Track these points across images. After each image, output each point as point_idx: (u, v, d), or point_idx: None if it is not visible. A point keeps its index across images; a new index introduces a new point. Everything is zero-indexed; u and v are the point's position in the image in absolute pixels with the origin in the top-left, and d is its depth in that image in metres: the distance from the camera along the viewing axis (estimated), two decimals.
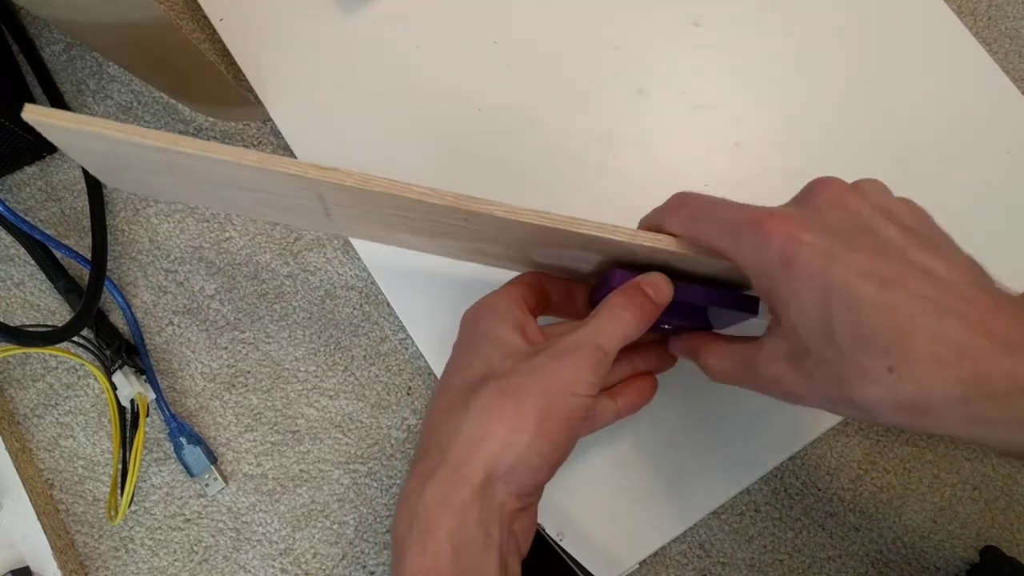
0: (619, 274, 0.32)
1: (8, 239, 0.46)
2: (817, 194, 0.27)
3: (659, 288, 0.31)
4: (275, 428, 0.44)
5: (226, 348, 0.45)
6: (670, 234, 0.30)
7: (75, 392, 0.45)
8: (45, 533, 0.41)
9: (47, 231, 0.45)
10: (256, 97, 0.46)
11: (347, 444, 0.44)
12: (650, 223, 0.32)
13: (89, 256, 0.43)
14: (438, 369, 0.43)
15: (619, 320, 0.30)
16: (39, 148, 0.46)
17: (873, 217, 0.26)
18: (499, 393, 0.29)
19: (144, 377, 0.44)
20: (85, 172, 0.45)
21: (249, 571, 0.43)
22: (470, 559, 0.27)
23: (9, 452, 0.42)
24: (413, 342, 0.44)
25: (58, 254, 0.45)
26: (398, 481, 0.44)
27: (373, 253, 0.44)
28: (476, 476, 0.28)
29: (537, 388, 0.28)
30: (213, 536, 0.43)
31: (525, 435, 0.28)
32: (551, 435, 0.28)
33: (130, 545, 0.43)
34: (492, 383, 0.29)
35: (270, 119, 0.46)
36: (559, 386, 0.29)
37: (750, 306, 0.32)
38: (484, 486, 0.28)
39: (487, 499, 0.28)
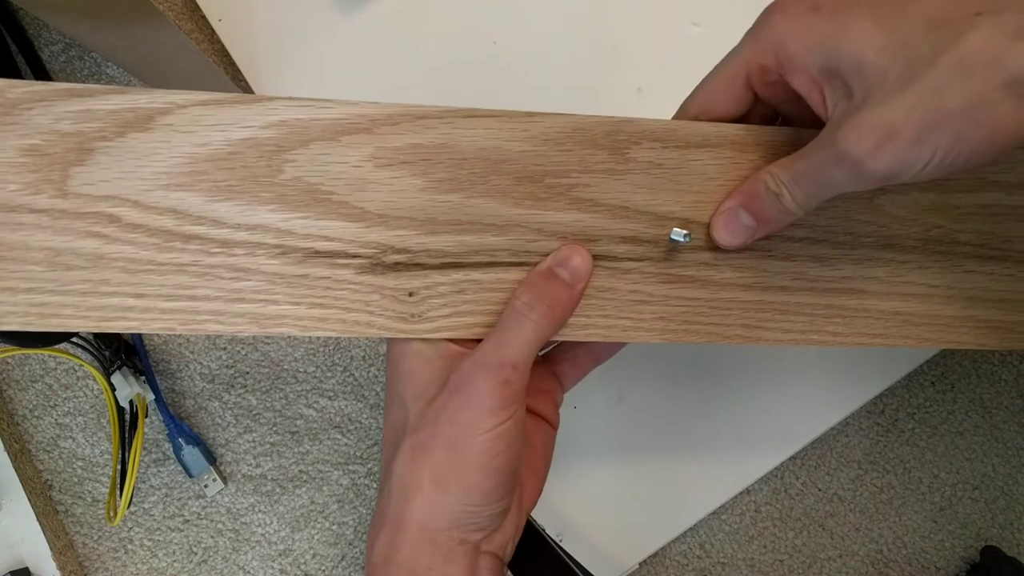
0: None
1: None
2: None
3: (576, 267, 0.26)
4: (274, 429, 0.44)
5: (225, 348, 0.45)
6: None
7: (74, 393, 0.45)
8: (44, 534, 0.41)
9: None
10: None
11: (346, 445, 0.44)
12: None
13: None
14: None
15: (525, 323, 0.26)
16: None
17: None
18: (411, 454, 0.26)
19: (143, 378, 0.43)
20: None
21: (248, 572, 0.43)
22: None
23: (8, 453, 0.42)
24: None
25: None
26: None
27: None
28: (413, 536, 0.26)
29: (440, 441, 0.26)
30: (212, 537, 0.43)
31: (447, 495, 0.26)
32: (476, 486, 0.26)
33: (129, 546, 0.43)
34: (406, 441, 0.27)
35: None
36: (461, 432, 0.25)
37: None
38: (428, 539, 0.26)
39: (437, 546, 0.26)
